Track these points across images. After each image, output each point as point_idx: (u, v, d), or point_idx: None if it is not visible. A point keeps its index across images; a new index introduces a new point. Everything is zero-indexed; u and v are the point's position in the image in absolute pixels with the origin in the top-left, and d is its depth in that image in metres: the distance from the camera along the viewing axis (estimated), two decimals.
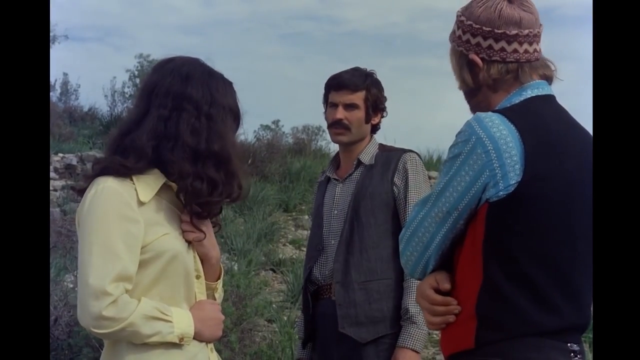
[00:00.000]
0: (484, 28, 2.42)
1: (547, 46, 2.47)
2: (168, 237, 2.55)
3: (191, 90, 2.60)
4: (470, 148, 2.25)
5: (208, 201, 2.57)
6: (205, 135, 2.56)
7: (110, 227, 2.48)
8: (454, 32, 2.46)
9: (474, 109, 2.46)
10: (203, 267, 2.68)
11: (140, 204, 2.54)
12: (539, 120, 2.34)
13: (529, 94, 2.40)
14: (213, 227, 2.73)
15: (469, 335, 2.26)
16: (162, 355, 2.52)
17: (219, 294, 2.77)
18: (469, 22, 2.43)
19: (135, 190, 2.54)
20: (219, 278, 2.76)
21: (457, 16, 2.46)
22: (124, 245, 2.48)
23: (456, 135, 2.32)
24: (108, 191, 2.51)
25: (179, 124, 2.56)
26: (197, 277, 2.64)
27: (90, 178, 2.57)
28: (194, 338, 2.56)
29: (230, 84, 2.69)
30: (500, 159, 2.22)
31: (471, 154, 2.24)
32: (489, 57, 2.42)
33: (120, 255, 2.46)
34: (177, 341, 2.52)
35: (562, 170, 2.26)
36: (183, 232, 2.60)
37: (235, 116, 2.66)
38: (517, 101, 2.39)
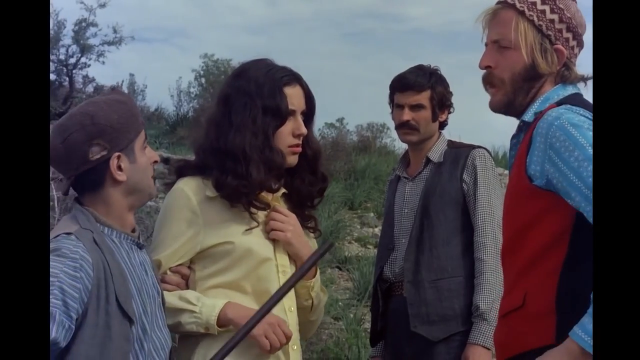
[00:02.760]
0: (578, 30, 2.39)
1: None
2: (240, 237, 2.65)
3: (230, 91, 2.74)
4: None
5: (238, 192, 2.64)
6: (225, 135, 2.68)
7: (166, 225, 2.69)
8: (543, 11, 2.37)
9: (517, 91, 2.39)
10: (296, 266, 2.73)
11: (208, 198, 2.67)
12: None
13: (569, 90, 2.38)
14: (312, 232, 2.84)
15: (547, 331, 2.18)
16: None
17: (315, 292, 2.81)
18: (569, 15, 2.38)
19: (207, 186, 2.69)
20: (314, 276, 2.80)
21: (555, 0, 2.38)
22: (171, 240, 2.66)
23: (561, 129, 2.21)
24: (174, 194, 2.71)
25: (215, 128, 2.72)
26: (284, 272, 2.71)
27: (171, 184, 2.76)
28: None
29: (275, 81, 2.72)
30: None
31: None
32: (569, 57, 2.39)
33: (162, 248, 2.67)
34: (203, 330, 2.59)
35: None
36: (271, 230, 2.70)
37: (273, 113, 2.69)
38: (565, 94, 2.36)
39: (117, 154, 2.37)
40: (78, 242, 2.31)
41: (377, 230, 10.06)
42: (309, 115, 2.80)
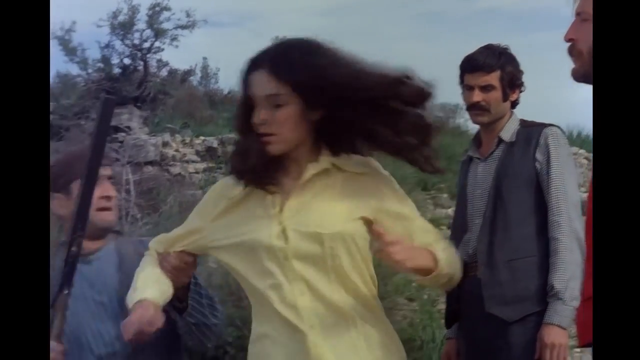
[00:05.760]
0: None
1: None
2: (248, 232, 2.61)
3: None
4: None
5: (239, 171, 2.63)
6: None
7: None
8: None
9: None
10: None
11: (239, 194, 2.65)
12: None
13: None
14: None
15: None
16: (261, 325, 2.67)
17: (445, 274, 2.70)
18: None
19: None
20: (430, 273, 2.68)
21: None
22: (179, 227, 2.77)
23: None
24: (215, 186, 2.78)
25: None
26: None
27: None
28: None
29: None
30: None
31: None
32: None
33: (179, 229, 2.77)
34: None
35: None
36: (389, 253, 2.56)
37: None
38: None
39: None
40: None
41: (451, 211, 10.00)
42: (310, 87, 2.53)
